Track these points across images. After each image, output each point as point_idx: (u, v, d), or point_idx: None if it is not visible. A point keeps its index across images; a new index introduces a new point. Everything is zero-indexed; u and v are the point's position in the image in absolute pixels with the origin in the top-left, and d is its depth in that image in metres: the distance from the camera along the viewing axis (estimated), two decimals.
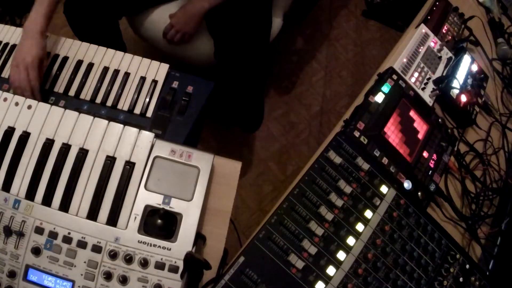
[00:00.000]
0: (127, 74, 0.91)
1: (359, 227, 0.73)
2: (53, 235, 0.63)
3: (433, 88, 1.02)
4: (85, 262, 0.62)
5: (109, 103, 0.88)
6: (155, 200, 0.66)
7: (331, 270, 0.68)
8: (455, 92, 1.04)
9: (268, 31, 1.21)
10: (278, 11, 1.35)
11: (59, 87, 0.89)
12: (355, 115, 0.87)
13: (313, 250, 0.68)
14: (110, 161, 0.67)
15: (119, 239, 0.63)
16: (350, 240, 0.71)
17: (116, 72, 0.91)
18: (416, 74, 1.01)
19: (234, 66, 1.08)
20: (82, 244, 0.63)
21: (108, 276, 0.61)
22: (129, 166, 0.67)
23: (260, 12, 1.08)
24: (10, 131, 0.68)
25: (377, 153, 0.83)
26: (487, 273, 0.86)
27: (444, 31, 1.14)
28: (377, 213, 0.76)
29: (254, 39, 1.11)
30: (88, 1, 1.00)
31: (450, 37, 1.14)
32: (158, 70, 0.92)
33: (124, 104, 0.89)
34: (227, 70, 1.11)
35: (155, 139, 0.70)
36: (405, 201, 0.79)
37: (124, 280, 0.62)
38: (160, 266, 0.63)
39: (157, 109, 0.88)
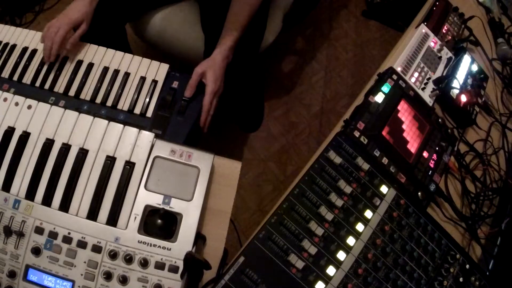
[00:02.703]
0: (127, 74, 0.91)
1: (359, 227, 0.73)
2: (53, 235, 0.63)
3: (433, 88, 1.02)
4: (85, 262, 0.62)
5: (109, 103, 0.88)
6: (155, 200, 0.66)
7: (331, 270, 0.68)
8: (455, 92, 1.04)
9: (262, 33, 1.21)
10: (278, 11, 1.35)
11: (59, 87, 0.89)
12: (355, 115, 0.87)
13: (313, 250, 0.68)
14: (110, 161, 0.67)
15: (119, 239, 0.63)
16: (350, 240, 0.71)
17: (116, 72, 0.91)
18: (416, 74, 1.01)
19: (229, 69, 1.08)
20: (82, 244, 0.63)
21: (108, 276, 0.61)
22: (129, 166, 0.67)
23: (257, 15, 1.08)
24: (10, 131, 0.68)
25: (377, 153, 0.83)
26: (487, 273, 0.86)
27: (444, 31, 1.14)
28: (377, 213, 0.76)
29: (249, 41, 1.11)
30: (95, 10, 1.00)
31: (450, 37, 1.14)
32: (158, 70, 0.92)
33: (124, 104, 0.89)
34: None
35: (155, 139, 0.70)
36: (405, 201, 0.79)
37: (124, 280, 0.62)
38: (160, 266, 0.63)
39: (157, 109, 0.88)
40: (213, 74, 0.93)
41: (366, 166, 0.78)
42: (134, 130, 0.69)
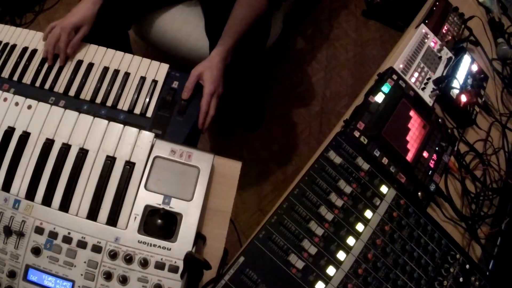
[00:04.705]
0: (127, 74, 0.91)
1: (359, 227, 0.73)
2: (53, 235, 0.63)
3: (433, 88, 1.02)
4: (85, 262, 0.62)
5: (109, 103, 0.88)
6: (155, 200, 0.66)
7: (331, 270, 0.68)
8: (455, 92, 1.04)
9: (266, 35, 1.21)
10: (278, 12, 1.35)
11: (59, 87, 0.89)
12: (355, 115, 0.87)
13: (313, 250, 0.68)
14: (110, 161, 0.67)
15: (119, 239, 0.63)
16: (350, 240, 0.71)
17: (116, 72, 0.91)
18: (416, 74, 1.01)
19: (230, 68, 1.08)
20: (82, 244, 0.63)
21: (108, 276, 0.61)
22: (129, 166, 0.67)
23: (260, 18, 1.08)
24: (10, 131, 0.68)
25: (377, 153, 0.83)
26: (487, 273, 0.86)
27: (444, 31, 1.14)
28: (377, 213, 0.76)
29: (251, 42, 1.11)
30: (99, 15, 1.00)
31: (450, 37, 1.14)
32: (158, 70, 0.92)
33: (124, 104, 0.88)
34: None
35: (155, 139, 0.70)
36: (405, 201, 0.79)
37: (124, 280, 0.62)
38: (160, 266, 0.63)
39: (157, 109, 0.88)
40: (210, 75, 0.93)
41: (366, 166, 0.78)
42: (134, 130, 0.69)
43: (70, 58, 0.92)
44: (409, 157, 0.88)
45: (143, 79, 0.90)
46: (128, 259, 0.62)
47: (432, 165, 0.90)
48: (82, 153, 0.67)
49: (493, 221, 0.95)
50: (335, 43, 2.09)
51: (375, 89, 0.91)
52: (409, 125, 0.91)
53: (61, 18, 0.92)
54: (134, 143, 0.69)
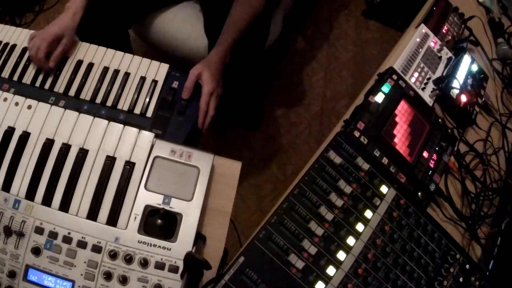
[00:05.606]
0: (127, 74, 0.91)
1: (359, 227, 0.73)
2: (53, 235, 0.63)
3: (433, 88, 1.02)
4: (85, 262, 0.62)
5: (109, 103, 0.88)
6: (155, 200, 0.66)
7: (331, 270, 0.68)
8: (455, 92, 1.04)
9: (266, 35, 1.21)
10: (278, 12, 1.35)
11: (59, 87, 0.89)
12: (355, 115, 0.87)
13: (313, 250, 0.68)
14: (110, 161, 0.67)
15: (119, 239, 0.64)
16: (350, 240, 0.71)
17: (116, 72, 0.91)
18: (416, 74, 1.01)
19: (230, 68, 1.08)
20: (82, 244, 0.63)
21: (108, 276, 0.61)
22: (129, 166, 0.67)
23: (259, 17, 1.08)
24: (10, 131, 0.68)
25: (377, 153, 0.83)
26: (487, 273, 0.86)
27: (444, 31, 1.14)
28: (377, 213, 0.76)
29: (250, 42, 1.11)
30: (99, 15, 1.00)
31: (450, 37, 1.14)
32: (158, 70, 0.92)
33: (124, 104, 0.88)
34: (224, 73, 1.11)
35: (155, 139, 0.70)
36: (405, 201, 0.79)
37: (124, 280, 0.62)
38: (160, 266, 0.63)
39: (157, 109, 0.88)
40: (209, 75, 0.93)
41: (366, 166, 0.78)
42: (134, 130, 0.70)
43: (70, 57, 0.92)
44: (409, 157, 0.88)
45: (143, 79, 0.90)
46: (128, 259, 0.62)
47: (432, 165, 0.90)
48: (82, 153, 0.67)
49: (493, 221, 0.95)
50: (335, 43, 2.09)
51: (375, 89, 0.91)
52: (409, 125, 0.91)
53: (41, 30, 0.90)
54: (134, 143, 0.69)
